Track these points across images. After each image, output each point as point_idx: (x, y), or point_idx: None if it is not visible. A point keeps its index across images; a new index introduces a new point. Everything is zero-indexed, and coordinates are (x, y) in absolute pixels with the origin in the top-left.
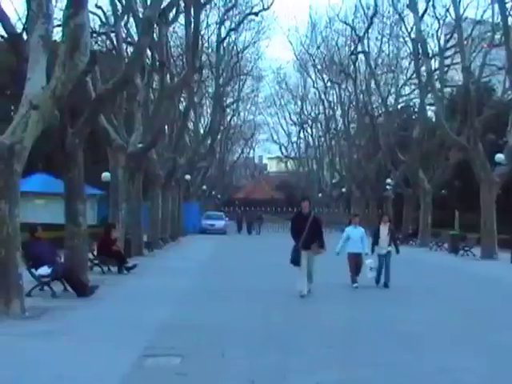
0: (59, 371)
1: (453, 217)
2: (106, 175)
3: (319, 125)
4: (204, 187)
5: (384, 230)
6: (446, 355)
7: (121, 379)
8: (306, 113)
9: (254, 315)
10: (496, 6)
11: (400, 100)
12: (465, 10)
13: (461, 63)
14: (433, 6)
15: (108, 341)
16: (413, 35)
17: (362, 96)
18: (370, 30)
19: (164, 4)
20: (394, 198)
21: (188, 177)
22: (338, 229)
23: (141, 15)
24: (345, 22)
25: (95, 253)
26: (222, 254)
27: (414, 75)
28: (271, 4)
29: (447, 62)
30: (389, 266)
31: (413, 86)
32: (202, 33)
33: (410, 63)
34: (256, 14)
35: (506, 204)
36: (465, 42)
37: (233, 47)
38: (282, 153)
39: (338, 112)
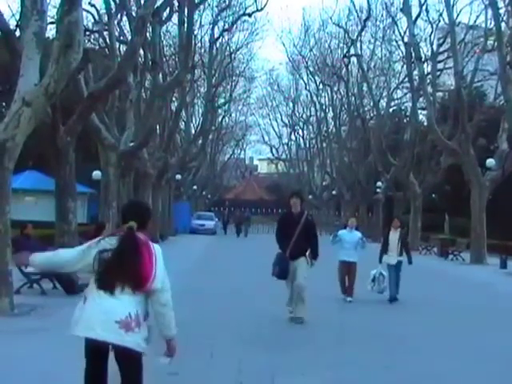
0: (47, 368)
1: (443, 221)
2: (96, 173)
3: (311, 127)
4: (195, 187)
5: (394, 236)
6: (434, 359)
7: (110, 378)
8: (297, 115)
9: (243, 316)
10: (489, 12)
11: (392, 103)
12: (458, 15)
13: (453, 68)
14: (426, 10)
15: None
16: (406, 39)
17: (353, 99)
18: (362, 33)
19: (158, 3)
20: (385, 201)
21: (179, 176)
22: (328, 231)
23: (134, 14)
24: (338, 25)
25: None
26: (210, 255)
27: (406, 79)
28: (265, 5)
29: (440, 66)
30: (398, 278)
31: (405, 90)
32: (195, 33)
33: (402, 67)
34: (249, 15)
35: (496, 209)
36: (457, 47)
37: (226, 48)
38: (273, 154)
39: (330, 114)
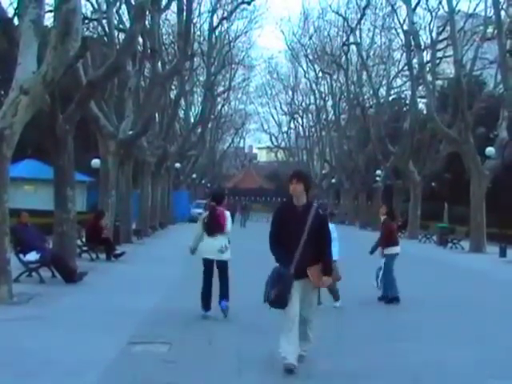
0: (47, 356)
1: (442, 209)
2: (95, 162)
3: (310, 115)
4: (194, 176)
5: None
6: (432, 347)
7: (108, 366)
8: (296, 103)
9: (241, 304)
10: (489, 0)
11: (391, 92)
12: (457, 3)
13: (453, 56)
14: None
15: (96, 327)
16: (405, 27)
17: (353, 87)
18: (362, 21)
19: None
20: (384, 189)
21: (178, 165)
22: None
23: (133, 2)
24: (337, 13)
25: (84, 239)
26: None
27: (406, 67)
28: None
29: (439, 54)
30: (385, 273)
31: (404, 78)
32: (194, 21)
33: (401, 55)
34: (248, 3)
35: (495, 197)
36: (457, 35)
37: (225, 36)
38: (273, 143)
39: (329, 103)
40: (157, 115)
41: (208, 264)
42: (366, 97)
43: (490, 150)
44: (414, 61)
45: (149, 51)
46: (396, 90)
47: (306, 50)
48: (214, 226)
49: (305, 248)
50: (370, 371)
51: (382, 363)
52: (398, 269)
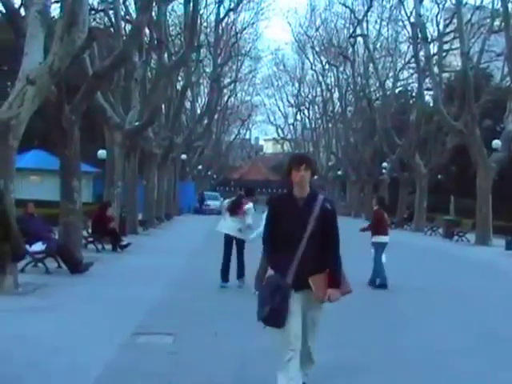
0: (52, 347)
1: (448, 202)
2: (101, 153)
3: (316, 107)
4: (200, 167)
5: None
6: (433, 336)
7: (113, 356)
8: (303, 95)
9: (247, 295)
10: None
11: (398, 84)
12: None
13: (460, 48)
14: None
15: (101, 318)
16: (412, 19)
17: (359, 79)
18: (369, 13)
19: None
20: (390, 181)
21: (184, 156)
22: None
23: None
24: (344, 5)
25: (90, 230)
26: (216, 235)
27: (413, 59)
28: None
29: (446, 46)
30: (375, 260)
31: (411, 71)
32: (201, 12)
33: (408, 47)
34: None
35: (501, 190)
36: (464, 28)
37: (231, 27)
38: (279, 134)
39: (336, 95)
40: (163, 106)
41: (228, 239)
42: (372, 89)
43: (496, 143)
44: (421, 53)
45: (155, 42)
46: (402, 83)
47: (312, 42)
48: (234, 209)
49: (307, 251)
50: (371, 364)
51: (384, 356)
52: (403, 260)
